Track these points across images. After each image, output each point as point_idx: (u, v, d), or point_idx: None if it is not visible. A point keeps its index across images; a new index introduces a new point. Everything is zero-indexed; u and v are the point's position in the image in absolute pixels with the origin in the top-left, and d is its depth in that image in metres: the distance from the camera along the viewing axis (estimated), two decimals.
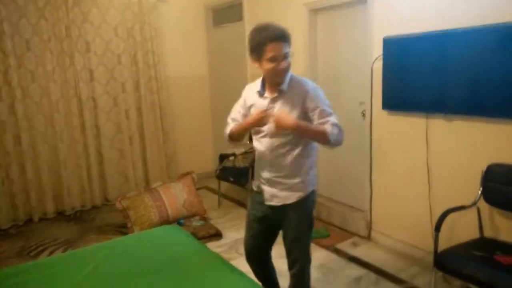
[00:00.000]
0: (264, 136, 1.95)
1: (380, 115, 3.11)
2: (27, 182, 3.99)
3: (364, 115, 3.31)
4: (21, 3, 3.80)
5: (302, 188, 2.01)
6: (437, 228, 2.30)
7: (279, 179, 1.97)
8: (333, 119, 1.90)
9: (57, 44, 4.01)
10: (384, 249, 3.16)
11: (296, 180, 1.98)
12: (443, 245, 2.30)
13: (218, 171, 4.07)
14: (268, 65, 1.82)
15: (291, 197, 1.98)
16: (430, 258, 2.35)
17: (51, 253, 3.32)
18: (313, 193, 2.08)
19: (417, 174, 2.90)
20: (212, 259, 2.10)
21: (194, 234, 3.26)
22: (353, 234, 3.43)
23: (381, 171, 3.19)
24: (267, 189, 2.01)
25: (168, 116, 4.79)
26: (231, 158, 4.06)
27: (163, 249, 2.23)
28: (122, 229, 3.66)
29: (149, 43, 4.52)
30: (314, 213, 3.82)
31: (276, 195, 1.99)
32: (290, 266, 2.09)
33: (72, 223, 3.99)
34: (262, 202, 2.04)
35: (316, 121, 1.88)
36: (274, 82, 1.90)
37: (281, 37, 1.79)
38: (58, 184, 4.18)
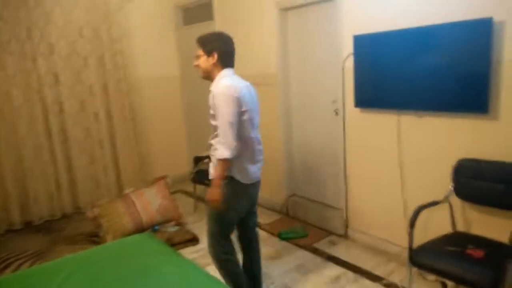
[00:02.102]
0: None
1: (353, 113, 3.12)
2: None
3: (337, 113, 3.31)
4: None
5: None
6: (411, 224, 2.32)
7: (261, 157, 2.31)
8: (217, 141, 2.09)
9: (18, 46, 3.82)
10: (361, 247, 3.18)
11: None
12: (418, 240, 2.32)
13: (193, 174, 3.99)
14: None
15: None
16: (406, 253, 2.37)
17: (18, 266, 3.16)
18: None
19: (390, 170, 2.92)
20: (186, 268, 2.04)
21: (169, 240, 3.20)
22: (330, 232, 3.44)
23: (355, 168, 3.21)
24: (259, 167, 2.30)
25: (139, 118, 4.66)
26: (206, 160, 3.98)
27: (136, 259, 2.15)
28: (94, 238, 3.53)
29: (117, 43, 4.37)
30: (291, 213, 3.85)
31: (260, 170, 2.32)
32: (252, 228, 2.49)
33: (41, 234, 3.82)
34: (249, 189, 2.25)
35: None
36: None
37: (197, 40, 2.26)
38: (24, 193, 3.99)
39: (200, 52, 2.20)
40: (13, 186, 3.89)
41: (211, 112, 2.12)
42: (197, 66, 2.23)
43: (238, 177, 2.17)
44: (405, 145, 2.81)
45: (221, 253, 2.28)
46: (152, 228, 3.47)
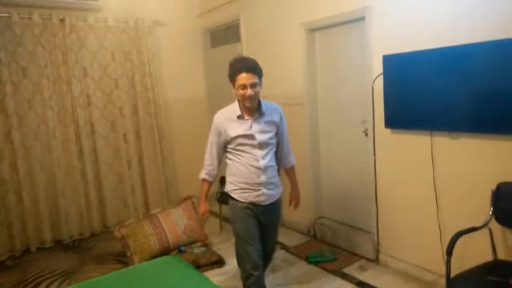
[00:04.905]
0: (255, 147, 2.25)
1: (383, 134, 3.04)
2: (24, 211, 3.90)
3: (366, 134, 3.24)
4: (17, 31, 3.79)
5: (281, 185, 2.44)
6: (449, 252, 2.20)
7: (271, 180, 2.32)
8: (291, 153, 2.52)
9: (54, 70, 3.99)
10: (393, 273, 3.04)
11: (278, 178, 2.40)
12: (455, 268, 2.20)
13: (218, 195, 3.97)
14: (238, 91, 2.20)
15: (277, 194, 2.38)
16: (442, 282, 2.25)
17: (48, 286, 3.21)
18: None
19: (424, 193, 2.81)
20: None
21: (195, 262, 3.18)
22: (360, 257, 3.32)
23: (386, 190, 3.10)
24: (266, 192, 2.29)
25: (166, 139, 4.73)
26: None
27: (163, 282, 2.14)
28: (122, 257, 3.55)
29: (147, 66, 4.49)
30: (319, 235, 3.75)
31: (271, 194, 2.32)
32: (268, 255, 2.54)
33: (70, 252, 3.88)
34: (255, 209, 2.30)
35: (280, 140, 2.40)
36: (245, 107, 2.25)
37: (251, 69, 2.19)
38: (55, 211, 4.09)
39: (257, 80, 2.22)
40: (45, 205, 4.00)
41: (271, 132, 2.30)
42: (255, 94, 2.22)
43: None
44: (439, 167, 2.70)
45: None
46: (178, 249, 3.45)
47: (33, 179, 3.95)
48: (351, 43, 3.34)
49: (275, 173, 2.37)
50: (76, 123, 4.14)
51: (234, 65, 2.25)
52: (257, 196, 2.28)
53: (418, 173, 2.83)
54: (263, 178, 2.26)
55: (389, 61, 2.86)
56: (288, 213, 2.52)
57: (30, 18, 3.85)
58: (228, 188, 2.38)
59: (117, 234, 3.39)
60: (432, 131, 2.69)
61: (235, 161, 2.31)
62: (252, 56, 4.61)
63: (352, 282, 2.95)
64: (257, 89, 2.20)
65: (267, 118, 2.31)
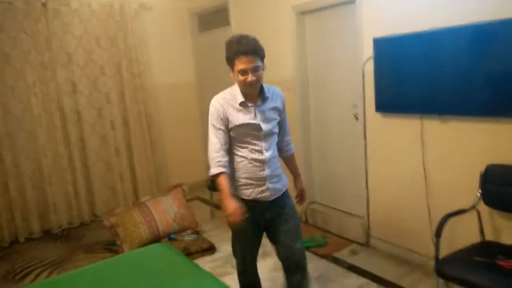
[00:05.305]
0: (259, 138, 2.00)
1: (374, 118, 3.02)
2: (11, 201, 3.84)
3: (357, 118, 3.22)
4: None
5: (283, 175, 2.16)
6: (438, 234, 2.23)
7: (275, 172, 2.06)
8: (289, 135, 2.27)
9: (38, 56, 3.87)
10: (384, 256, 3.07)
11: (280, 168, 2.13)
12: (444, 250, 2.23)
13: (209, 182, 3.94)
14: (238, 77, 1.90)
15: (283, 186, 2.11)
16: (431, 264, 2.27)
17: (37, 275, 3.18)
18: None
19: (414, 177, 2.81)
20: (204, 279, 1.99)
21: (186, 249, 3.17)
22: (351, 241, 3.34)
23: (377, 175, 3.11)
24: (271, 186, 2.03)
25: (156, 125, 4.66)
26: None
27: (152, 270, 2.11)
28: (112, 246, 3.52)
29: (133, 51, 4.39)
30: (310, 221, 3.76)
31: (276, 188, 2.06)
32: (296, 263, 2.08)
33: (59, 242, 3.84)
34: (259, 206, 2.04)
35: (283, 127, 2.16)
36: (246, 93, 1.96)
37: (251, 51, 1.86)
38: (43, 201, 4.03)
39: (259, 62, 1.91)
40: (32, 195, 3.94)
41: (275, 120, 2.06)
42: (257, 80, 1.91)
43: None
44: (430, 150, 2.70)
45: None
46: (169, 236, 3.44)
47: (19, 168, 3.87)
48: (341, 26, 3.29)
49: (278, 164, 2.11)
50: (62, 111, 4.05)
51: (231, 46, 1.89)
52: (262, 192, 2.01)
53: (408, 157, 2.83)
54: (267, 171, 2.00)
55: (379, 44, 2.83)
56: None
57: (11, 3, 3.70)
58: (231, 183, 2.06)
59: (106, 223, 3.36)
60: (422, 114, 2.68)
61: (236, 154, 2.02)
62: None
63: (343, 267, 2.97)
64: (259, 73, 1.90)
65: (271, 104, 2.03)
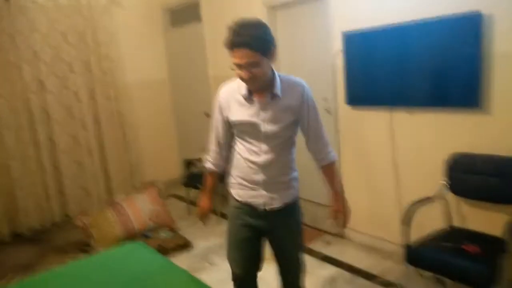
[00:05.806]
0: (259, 138, 1.75)
1: (345, 111, 3.08)
2: None
3: (328, 111, 3.27)
4: None
5: (295, 186, 1.88)
6: (405, 222, 2.30)
7: (276, 179, 1.80)
8: (329, 145, 1.89)
9: (2, 54, 3.73)
10: (356, 246, 3.15)
11: (289, 177, 1.84)
12: (415, 236, 2.30)
13: (185, 179, 3.93)
14: (235, 71, 1.64)
15: (285, 198, 1.83)
16: (401, 251, 2.34)
17: (9, 280, 3.08)
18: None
19: (384, 167, 2.89)
20: (178, 276, 1.99)
21: (162, 247, 3.14)
22: (325, 232, 3.40)
23: (348, 166, 3.17)
24: (266, 194, 1.79)
25: (128, 123, 4.58)
26: (198, 163, 3.93)
27: (126, 269, 2.10)
28: (85, 247, 3.45)
29: (103, 48, 4.29)
30: None
31: (273, 197, 1.80)
32: (289, 273, 1.93)
33: (31, 245, 3.73)
34: (253, 212, 1.83)
35: (307, 129, 1.82)
36: (250, 88, 1.71)
37: (246, 44, 1.54)
38: (12, 204, 3.89)
39: (257, 57, 1.57)
40: (0, 199, 3.80)
41: (286, 121, 1.74)
42: (254, 77, 1.61)
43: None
44: (398, 141, 2.79)
45: None
46: (144, 235, 3.40)
47: None
48: (312, 21, 3.32)
49: (287, 171, 1.83)
50: (29, 110, 3.92)
51: (228, 34, 1.58)
52: (254, 197, 1.79)
53: (378, 148, 2.91)
54: (262, 176, 1.76)
55: (348, 38, 2.88)
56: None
57: None
58: (229, 180, 1.93)
59: (78, 223, 3.30)
60: (392, 107, 2.76)
61: (236, 150, 1.84)
62: (212, 36, 4.51)
63: (317, 257, 3.03)
64: (257, 69, 1.59)
65: (283, 102, 1.72)
